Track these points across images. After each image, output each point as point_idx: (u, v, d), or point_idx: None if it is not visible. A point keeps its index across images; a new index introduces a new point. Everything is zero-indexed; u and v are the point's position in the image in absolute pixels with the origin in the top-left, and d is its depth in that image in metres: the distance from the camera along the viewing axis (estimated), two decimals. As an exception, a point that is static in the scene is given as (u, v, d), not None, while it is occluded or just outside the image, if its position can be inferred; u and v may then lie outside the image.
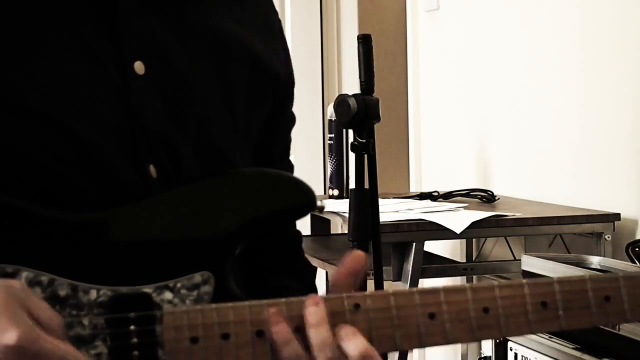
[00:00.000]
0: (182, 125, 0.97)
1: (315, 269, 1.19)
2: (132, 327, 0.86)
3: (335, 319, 0.87)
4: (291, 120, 1.16)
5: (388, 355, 2.08)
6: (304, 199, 0.95)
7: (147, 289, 0.88)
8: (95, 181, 0.90)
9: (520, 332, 0.90)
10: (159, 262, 0.89)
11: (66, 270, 0.86)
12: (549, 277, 0.91)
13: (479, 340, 0.92)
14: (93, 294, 0.86)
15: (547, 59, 2.71)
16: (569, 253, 2.52)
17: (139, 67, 0.95)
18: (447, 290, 0.89)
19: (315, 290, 1.13)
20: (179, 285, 0.89)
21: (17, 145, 0.88)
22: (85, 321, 0.86)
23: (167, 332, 0.86)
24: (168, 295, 0.88)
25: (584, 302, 0.90)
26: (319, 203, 0.95)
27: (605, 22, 2.46)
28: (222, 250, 0.91)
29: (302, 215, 0.96)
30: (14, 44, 0.90)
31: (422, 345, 0.89)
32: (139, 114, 0.94)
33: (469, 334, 0.89)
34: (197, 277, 0.89)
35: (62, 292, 0.86)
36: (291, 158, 1.18)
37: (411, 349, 0.88)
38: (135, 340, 0.86)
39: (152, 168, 0.94)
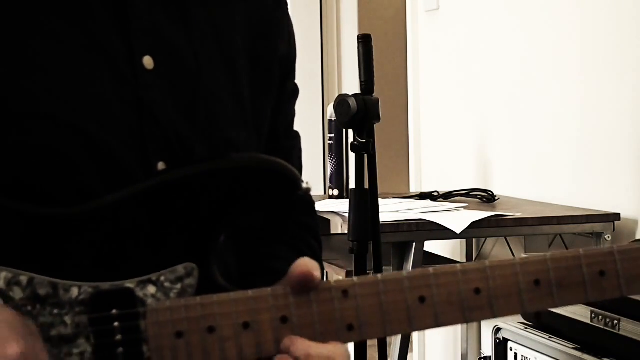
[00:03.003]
0: (192, 120, 0.96)
1: (317, 229, 1.17)
2: (115, 324, 0.85)
3: (324, 307, 0.86)
4: (293, 93, 1.14)
5: (388, 354, 2.08)
6: (286, 183, 0.92)
7: (130, 284, 0.86)
8: (103, 180, 0.90)
9: (513, 312, 0.88)
10: (140, 256, 0.88)
11: (46, 268, 0.85)
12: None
13: (470, 322, 0.90)
14: (74, 291, 0.85)
15: (546, 59, 2.71)
16: (569, 253, 2.51)
17: (148, 62, 0.94)
18: (437, 272, 0.87)
19: (313, 254, 1.11)
20: (162, 278, 0.87)
21: (24, 145, 0.88)
22: (68, 320, 0.84)
23: (152, 328, 0.85)
24: (151, 289, 0.87)
25: (578, 278, 0.88)
26: (303, 185, 0.93)
27: (604, 23, 2.46)
28: (205, 240, 0.89)
29: (285, 199, 0.94)
30: (24, 40, 0.90)
31: (412, 329, 0.87)
32: (149, 109, 0.93)
33: (460, 316, 0.87)
34: (181, 270, 0.88)
35: (42, 291, 0.84)
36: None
37: (402, 333, 0.87)
38: (119, 337, 0.85)
39: (160, 165, 0.93)
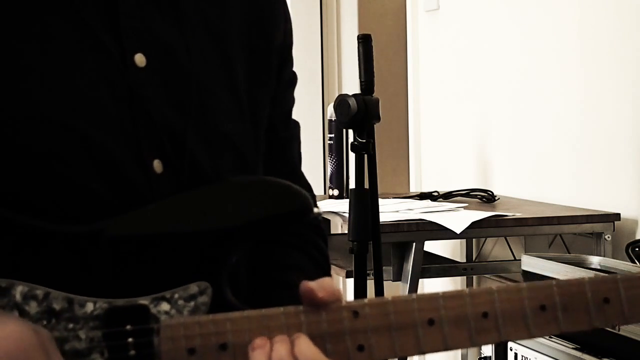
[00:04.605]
0: (187, 116, 0.96)
1: (322, 226, 1.18)
2: (129, 340, 0.85)
3: (334, 327, 0.87)
4: (291, 82, 1.14)
5: (388, 355, 2.08)
6: (298, 207, 0.93)
7: (144, 301, 0.87)
8: (103, 180, 0.90)
9: (519, 337, 0.90)
10: (155, 273, 0.89)
11: (62, 283, 0.86)
12: (548, 278, 0.91)
13: (478, 345, 0.91)
14: (89, 306, 0.86)
15: (547, 59, 2.71)
16: (569, 253, 2.51)
17: (139, 59, 0.94)
18: (445, 295, 0.89)
19: (326, 266, 1.12)
20: (175, 296, 0.88)
21: (20, 146, 0.88)
22: (82, 334, 0.85)
23: (165, 344, 0.85)
24: (165, 306, 0.87)
25: (583, 305, 0.91)
26: (315, 210, 0.94)
27: (604, 22, 2.46)
28: (218, 260, 0.90)
29: (297, 222, 0.95)
30: (16, 42, 0.89)
31: (421, 351, 0.88)
32: (142, 107, 0.93)
33: (468, 340, 0.89)
34: (194, 288, 0.89)
35: (58, 306, 0.85)
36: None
37: (410, 355, 0.88)
38: (132, 352, 0.85)
39: (156, 163, 0.93)
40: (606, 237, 2.32)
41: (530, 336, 0.90)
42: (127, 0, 0.95)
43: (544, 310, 0.90)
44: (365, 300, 0.88)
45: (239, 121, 1.02)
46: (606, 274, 0.94)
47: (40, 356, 0.80)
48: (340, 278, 2.45)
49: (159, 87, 0.95)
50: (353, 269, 1.92)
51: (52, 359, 0.82)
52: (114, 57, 0.93)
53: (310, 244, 1.12)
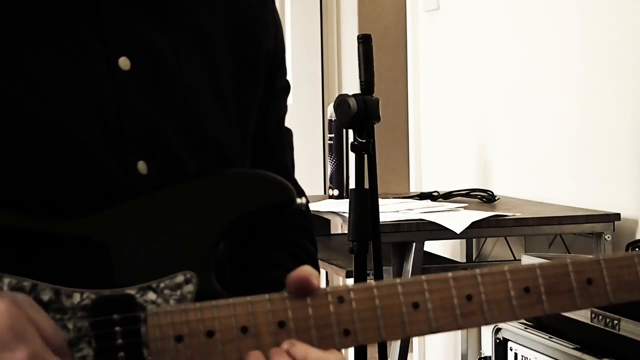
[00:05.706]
0: (172, 118, 0.97)
1: (312, 230, 1.18)
2: (116, 329, 0.86)
3: (320, 312, 0.88)
4: (284, 90, 1.15)
5: (388, 354, 2.08)
6: (281, 198, 0.94)
7: (130, 291, 0.88)
8: (88, 181, 0.91)
9: (504, 319, 0.90)
10: (141, 263, 0.89)
11: (49, 275, 0.86)
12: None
13: (463, 328, 0.92)
14: (76, 297, 0.86)
15: (547, 59, 2.71)
16: (569, 253, 2.52)
17: (123, 62, 0.95)
18: (429, 279, 0.89)
19: (311, 259, 1.12)
20: (162, 285, 0.89)
21: (7, 147, 0.88)
22: (70, 325, 0.86)
23: (152, 332, 0.86)
24: (151, 296, 0.88)
25: (566, 286, 0.91)
26: (298, 201, 0.95)
27: (605, 23, 2.46)
28: (204, 250, 0.91)
29: (280, 213, 0.96)
30: (2, 44, 0.90)
31: (406, 334, 0.89)
32: (126, 110, 0.94)
33: (453, 322, 0.89)
34: (180, 277, 0.90)
35: (45, 297, 0.86)
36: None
37: (396, 339, 0.88)
38: (120, 341, 0.86)
39: (141, 164, 0.94)
40: (606, 237, 2.33)
41: (516, 318, 0.90)
42: (110, 2, 0.95)
43: (528, 292, 0.90)
44: (350, 286, 0.88)
45: (225, 124, 1.02)
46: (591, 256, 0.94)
47: (25, 327, 0.79)
48: (340, 278, 2.45)
49: (144, 90, 0.96)
50: (353, 269, 1.92)
51: (39, 322, 0.81)
52: (98, 61, 0.94)
53: (298, 247, 1.13)
